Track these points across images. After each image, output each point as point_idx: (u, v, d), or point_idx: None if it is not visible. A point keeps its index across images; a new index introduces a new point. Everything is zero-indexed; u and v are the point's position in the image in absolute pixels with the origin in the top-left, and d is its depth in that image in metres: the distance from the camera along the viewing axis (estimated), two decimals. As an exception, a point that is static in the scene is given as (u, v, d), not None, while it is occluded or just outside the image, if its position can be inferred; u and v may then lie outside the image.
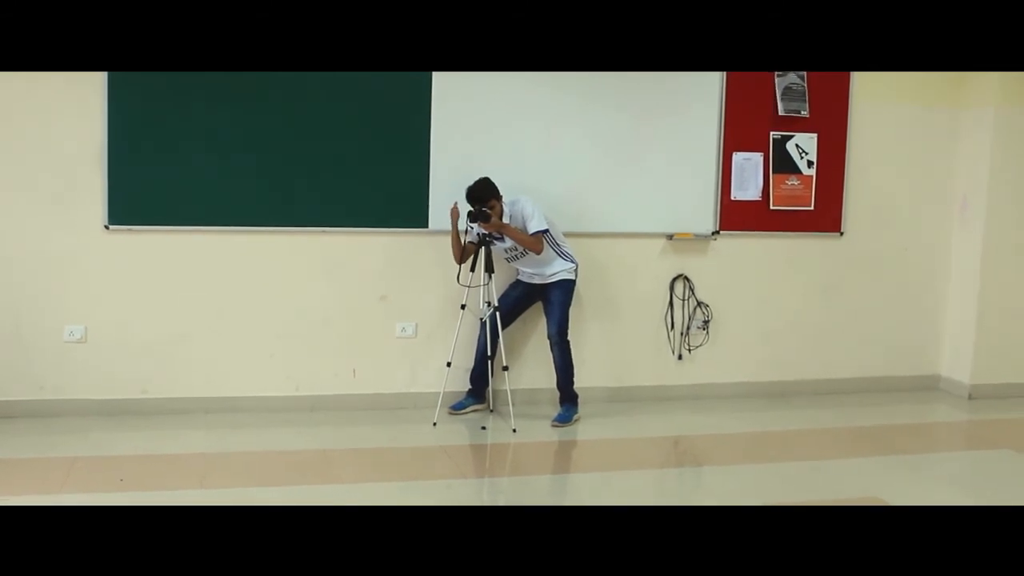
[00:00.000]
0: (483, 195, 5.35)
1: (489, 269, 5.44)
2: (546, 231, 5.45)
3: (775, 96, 6.12)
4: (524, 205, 5.45)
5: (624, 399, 6.10)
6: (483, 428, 5.56)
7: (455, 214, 5.48)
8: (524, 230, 5.43)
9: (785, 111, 6.13)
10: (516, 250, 5.52)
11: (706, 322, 6.23)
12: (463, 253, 5.51)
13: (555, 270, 5.59)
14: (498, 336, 5.54)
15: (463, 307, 5.53)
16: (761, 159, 6.17)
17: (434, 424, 5.50)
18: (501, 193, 5.42)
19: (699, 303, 6.22)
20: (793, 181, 6.23)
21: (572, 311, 5.65)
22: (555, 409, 5.68)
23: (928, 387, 6.68)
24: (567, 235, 5.67)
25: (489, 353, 5.57)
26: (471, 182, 5.37)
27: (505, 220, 5.43)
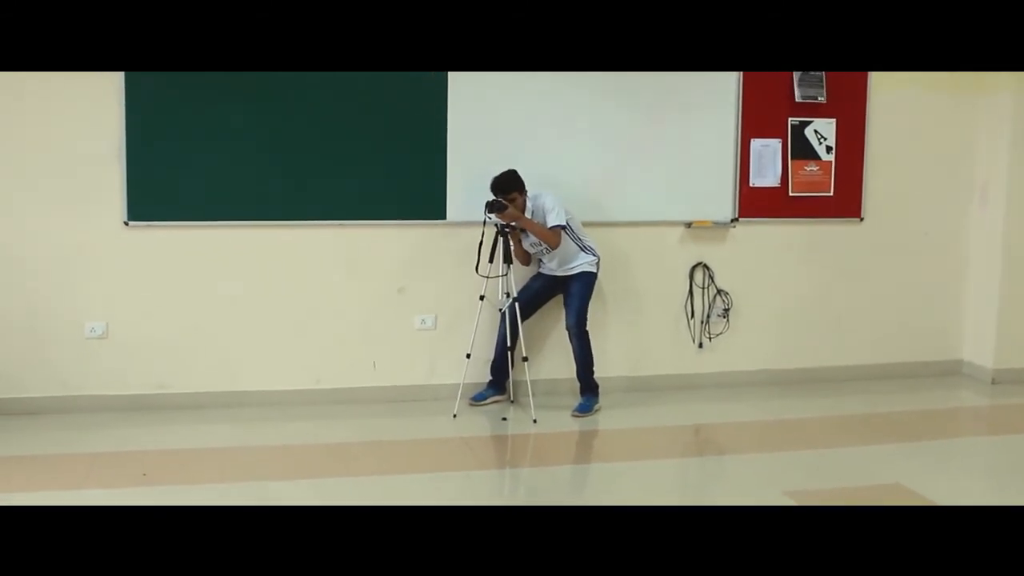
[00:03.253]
0: (506, 187, 5.35)
1: (507, 259, 5.43)
2: (564, 226, 5.45)
3: (792, 82, 6.07)
4: (545, 199, 5.46)
5: (644, 388, 6.08)
6: (504, 419, 5.56)
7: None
8: (544, 224, 5.43)
9: (802, 97, 6.08)
10: (540, 245, 5.52)
11: (726, 310, 6.20)
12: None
13: (577, 263, 5.57)
14: (517, 327, 5.53)
15: (482, 298, 5.52)
16: (779, 145, 6.13)
17: (454, 415, 5.50)
18: (526, 187, 5.42)
19: (719, 291, 6.19)
20: (812, 167, 6.18)
21: (592, 300, 5.64)
22: (576, 399, 5.67)
23: (951, 372, 6.62)
24: (585, 224, 5.65)
25: (509, 344, 5.57)
26: (497, 173, 5.37)
27: (527, 214, 5.42)
